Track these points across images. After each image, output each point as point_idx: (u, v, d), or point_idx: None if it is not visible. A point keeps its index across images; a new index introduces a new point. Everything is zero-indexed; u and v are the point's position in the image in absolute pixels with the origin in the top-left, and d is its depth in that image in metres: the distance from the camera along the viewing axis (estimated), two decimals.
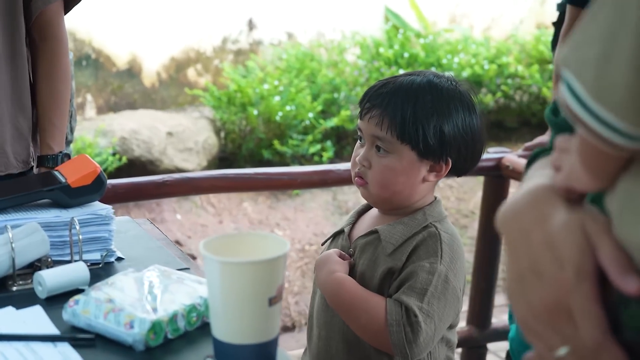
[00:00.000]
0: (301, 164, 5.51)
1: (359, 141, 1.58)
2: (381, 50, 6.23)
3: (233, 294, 1.09)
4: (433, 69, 6.03)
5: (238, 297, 1.09)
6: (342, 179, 2.90)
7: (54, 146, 2.00)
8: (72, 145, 2.76)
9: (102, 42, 5.87)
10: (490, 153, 3.09)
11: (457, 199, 5.58)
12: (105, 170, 4.90)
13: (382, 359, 1.51)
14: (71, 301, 1.27)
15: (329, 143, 5.69)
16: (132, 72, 6.02)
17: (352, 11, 6.61)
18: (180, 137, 5.48)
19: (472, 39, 6.66)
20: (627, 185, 0.70)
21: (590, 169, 0.72)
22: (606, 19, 0.65)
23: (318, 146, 5.60)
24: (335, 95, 5.96)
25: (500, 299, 3.48)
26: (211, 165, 5.57)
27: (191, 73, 6.22)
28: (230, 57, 6.32)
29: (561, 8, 3.03)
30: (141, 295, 1.27)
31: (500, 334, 3.24)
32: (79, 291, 1.37)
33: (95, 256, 1.55)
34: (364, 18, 6.64)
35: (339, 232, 1.65)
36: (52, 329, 1.27)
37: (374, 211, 1.64)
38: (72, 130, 2.55)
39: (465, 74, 6.06)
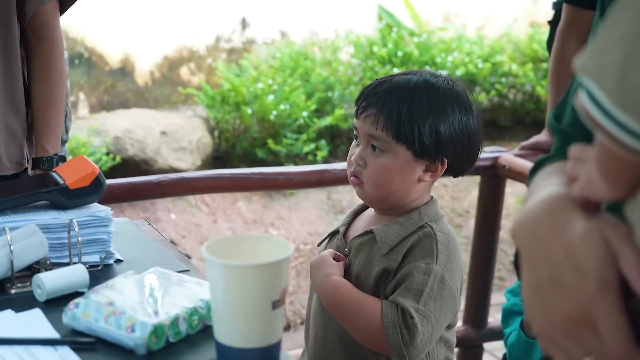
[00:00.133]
0: (295, 163, 5.51)
1: (355, 140, 1.57)
2: (375, 49, 6.23)
3: (236, 298, 1.08)
4: (427, 68, 6.03)
5: (241, 300, 1.08)
6: (338, 179, 2.89)
7: (48, 148, 1.99)
8: (66, 145, 2.75)
9: (95, 40, 5.85)
10: (487, 152, 3.08)
11: (452, 198, 5.59)
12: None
13: None
14: (71, 304, 1.26)
15: (323, 142, 5.68)
16: (125, 70, 6.00)
17: (345, 10, 6.60)
18: (174, 136, 5.47)
19: (466, 37, 6.66)
20: None
21: (609, 178, 0.71)
22: (627, 24, 0.64)
23: (312, 145, 5.59)
24: (329, 94, 5.95)
25: (496, 299, 3.47)
26: (205, 164, 5.56)
27: (184, 72, 6.21)
28: (223, 55, 6.30)
29: (557, 7, 3.03)
30: (142, 298, 1.26)
31: (496, 334, 3.23)
32: (78, 294, 1.36)
33: (94, 258, 1.54)
34: (357, 17, 6.63)
35: (335, 233, 1.65)
36: (52, 333, 1.26)
37: (370, 211, 1.64)
38: (67, 130, 2.54)
39: (459, 72, 6.06)
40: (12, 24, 1.92)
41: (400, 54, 6.18)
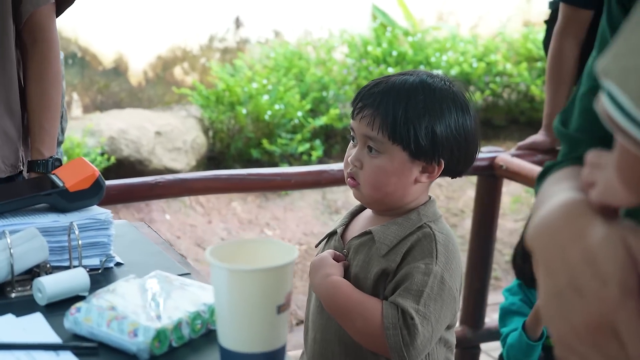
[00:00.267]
0: (290, 163, 5.50)
1: (351, 141, 1.56)
2: (369, 48, 6.22)
3: (241, 302, 1.07)
4: (422, 67, 6.03)
5: (246, 305, 1.07)
6: (335, 180, 2.88)
7: (44, 151, 1.98)
8: (62, 146, 2.74)
9: (88, 40, 5.83)
10: (483, 152, 3.07)
11: (447, 197, 5.58)
12: None
13: None
14: (73, 309, 1.25)
15: (317, 142, 5.68)
16: (119, 70, 5.98)
17: (339, 9, 6.59)
18: (168, 136, 5.45)
19: (460, 37, 6.66)
20: None
21: (630, 183, 0.70)
22: None
23: (307, 145, 5.58)
24: (324, 93, 5.95)
25: (493, 298, 3.47)
26: (200, 164, 5.54)
27: (178, 72, 6.19)
28: (217, 55, 6.29)
29: (553, 6, 3.04)
30: (144, 302, 1.25)
31: (493, 334, 3.23)
32: (78, 298, 1.35)
33: (95, 261, 1.53)
34: (351, 16, 6.62)
35: (333, 233, 1.64)
36: (53, 337, 1.25)
37: (367, 212, 1.63)
38: (62, 131, 2.52)
39: (454, 72, 6.06)
40: (8, 26, 1.91)
41: (394, 53, 6.17)
